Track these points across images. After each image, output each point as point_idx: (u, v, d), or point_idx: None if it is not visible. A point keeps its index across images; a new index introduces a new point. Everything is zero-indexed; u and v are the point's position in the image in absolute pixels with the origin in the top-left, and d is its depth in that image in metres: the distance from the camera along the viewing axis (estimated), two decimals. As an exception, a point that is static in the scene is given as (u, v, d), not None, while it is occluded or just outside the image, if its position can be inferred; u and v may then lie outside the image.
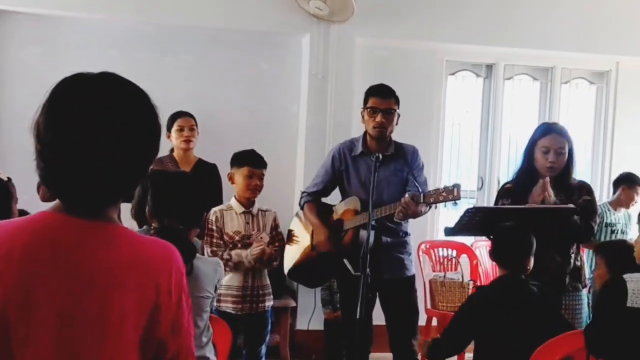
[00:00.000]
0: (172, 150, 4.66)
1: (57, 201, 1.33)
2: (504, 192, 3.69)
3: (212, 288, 2.63)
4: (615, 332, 2.39)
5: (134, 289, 1.30)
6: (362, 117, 3.76)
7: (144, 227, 2.63)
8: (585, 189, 3.54)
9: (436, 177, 5.59)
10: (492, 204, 5.62)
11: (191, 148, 4.61)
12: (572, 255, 3.50)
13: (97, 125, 1.26)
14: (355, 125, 4.95)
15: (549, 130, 3.58)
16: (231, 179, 3.86)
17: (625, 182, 5.42)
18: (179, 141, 4.55)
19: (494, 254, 3.17)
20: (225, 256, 3.63)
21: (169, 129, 4.58)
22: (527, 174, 3.59)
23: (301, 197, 3.95)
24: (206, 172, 4.49)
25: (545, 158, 3.50)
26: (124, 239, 1.34)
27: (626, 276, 2.42)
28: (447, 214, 5.72)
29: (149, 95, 1.36)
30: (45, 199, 3.66)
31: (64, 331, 1.25)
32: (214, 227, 3.72)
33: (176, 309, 1.37)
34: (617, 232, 5.34)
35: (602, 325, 2.46)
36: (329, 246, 3.68)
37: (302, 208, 3.92)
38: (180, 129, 4.55)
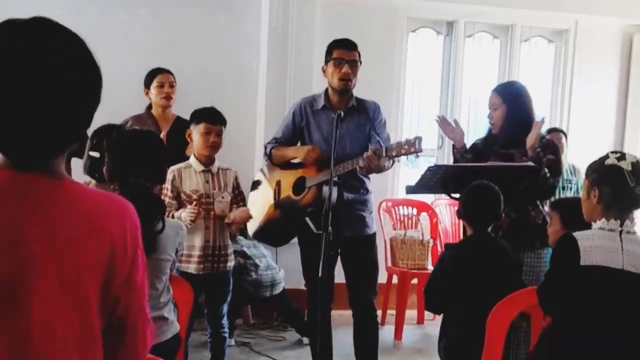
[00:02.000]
0: (149, 107, 4.54)
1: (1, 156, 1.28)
2: (470, 148, 3.78)
3: (172, 251, 2.60)
4: (569, 290, 2.40)
5: (89, 245, 1.28)
6: (324, 71, 3.70)
7: (100, 185, 2.57)
8: (549, 147, 3.57)
9: (397, 135, 5.56)
10: (452, 162, 5.69)
11: (171, 105, 4.51)
12: (532, 213, 3.53)
13: (29, 72, 1.20)
14: (315, 81, 4.90)
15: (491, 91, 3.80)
16: (189, 136, 3.78)
17: (549, 133, 5.49)
18: (158, 98, 4.45)
19: (462, 213, 3.16)
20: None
21: (147, 86, 4.47)
22: (490, 131, 3.76)
23: (265, 148, 3.90)
24: (184, 129, 4.38)
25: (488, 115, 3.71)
26: (76, 195, 1.30)
27: (577, 234, 2.42)
28: (408, 173, 5.74)
29: (84, 41, 1.30)
30: None
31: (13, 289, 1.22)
32: (168, 186, 3.64)
33: (130, 264, 1.35)
34: (565, 186, 5.36)
35: (555, 284, 2.47)
36: (315, 153, 3.62)
37: (269, 155, 3.86)
38: (160, 85, 4.45)
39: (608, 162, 2.42)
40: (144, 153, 2.48)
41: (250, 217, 3.67)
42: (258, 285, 4.79)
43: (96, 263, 1.28)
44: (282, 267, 5.01)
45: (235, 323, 4.88)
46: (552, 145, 3.63)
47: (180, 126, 4.37)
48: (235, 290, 3.96)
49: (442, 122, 3.83)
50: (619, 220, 2.40)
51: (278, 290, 4.90)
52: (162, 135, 4.26)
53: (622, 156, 2.42)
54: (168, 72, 4.53)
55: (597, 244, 2.37)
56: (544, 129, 5.53)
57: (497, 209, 3.07)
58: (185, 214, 3.52)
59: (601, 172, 2.45)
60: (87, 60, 1.29)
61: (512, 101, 3.63)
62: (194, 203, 3.57)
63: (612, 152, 2.47)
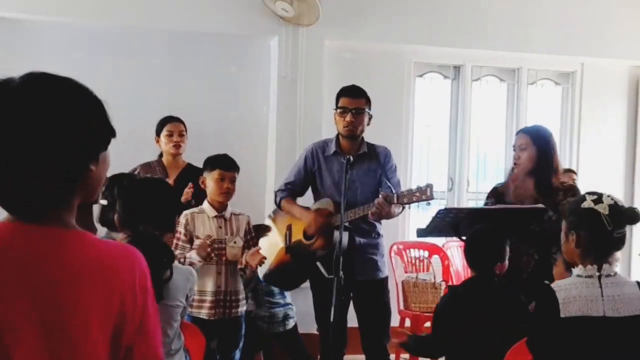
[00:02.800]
0: (160, 155, 4.61)
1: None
2: (490, 193, 3.81)
3: (183, 297, 2.60)
4: (552, 343, 2.36)
5: (98, 294, 1.28)
6: (335, 118, 3.77)
7: (112, 233, 2.60)
8: (572, 191, 3.56)
9: (406, 179, 5.60)
10: (462, 205, 5.70)
11: (180, 153, 4.56)
12: (555, 256, 3.51)
13: (19, 128, 1.23)
14: (325, 127, 4.95)
15: (517, 132, 3.81)
16: (203, 182, 3.83)
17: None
18: (168, 146, 4.50)
19: (465, 256, 3.19)
20: (181, 261, 3.60)
21: (158, 134, 4.54)
22: (511, 175, 3.75)
23: (276, 195, 3.93)
24: (194, 176, 4.44)
25: (514, 157, 3.67)
26: (85, 244, 1.31)
27: (554, 285, 2.38)
28: (418, 216, 5.74)
29: (86, 89, 1.34)
30: None
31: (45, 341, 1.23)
32: (182, 230, 3.68)
33: (142, 312, 1.35)
34: None
35: (538, 337, 2.44)
36: (320, 219, 3.64)
37: (278, 204, 3.89)
38: (170, 134, 4.51)
39: (584, 205, 2.35)
40: (154, 201, 2.50)
41: (263, 258, 3.69)
42: (271, 321, 4.76)
43: (105, 313, 1.28)
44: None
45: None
46: (574, 189, 3.60)
47: (189, 173, 4.43)
48: (248, 331, 3.94)
49: None
50: (595, 265, 2.34)
51: (290, 325, 4.85)
52: (170, 181, 4.31)
53: (598, 198, 2.34)
54: (178, 120, 4.59)
55: (575, 294, 2.31)
56: (580, 175, 5.58)
57: (498, 255, 3.05)
58: (194, 253, 3.55)
59: (578, 215, 2.38)
60: (77, 112, 1.30)
61: (543, 143, 3.63)
62: (202, 239, 3.60)
63: (589, 194, 2.39)
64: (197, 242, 3.60)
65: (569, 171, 5.42)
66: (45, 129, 1.26)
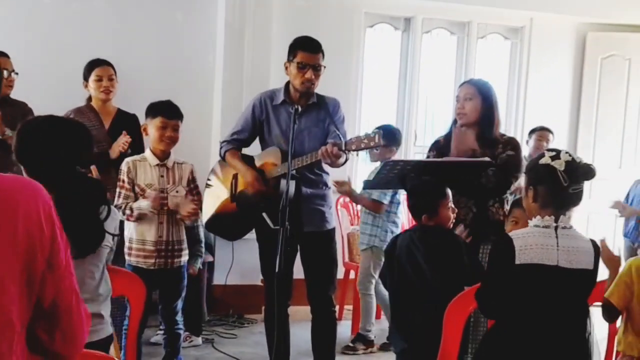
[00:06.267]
0: (89, 99, 4.41)
1: None
2: (432, 145, 3.79)
3: (110, 238, 2.44)
4: (506, 292, 2.40)
5: (2, 227, 1.25)
6: (286, 68, 3.65)
7: None
8: (511, 144, 3.58)
9: (354, 131, 5.57)
10: (409, 158, 5.71)
11: (110, 99, 4.36)
12: (492, 209, 3.55)
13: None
14: (273, 76, 4.86)
15: (461, 84, 3.79)
16: (145, 130, 3.71)
17: (531, 133, 5.60)
18: (97, 91, 4.28)
19: (409, 208, 3.21)
20: (127, 211, 3.52)
21: (86, 78, 4.31)
22: (453, 126, 3.72)
23: (221, 147, 3.83)
24: (126, 122, 4.30)
25: (457, 107, 3.65)
26: None
27: (512, 234, 2.42)
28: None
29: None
30: None
31: None
32: (125, 178, 3.58)
33: (50, 244, 1.32)
34: None
35: (491, 287, 2.46)
36: (258, 185, 3.58)
37: (223, 157, 3.81)
38: (99, 79, 4.27)
39: (542, 161, 2.38)
40: (53, 138, 2.25)
41: (196, 208, 3.61)
42: None
43: (10, 244, 1.25)
44: (239, 263, 4.99)
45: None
46: (512, 142, 3.63)
47: (121, 119, 4.29)
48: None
49: None
50: (553, 216, 2.38)
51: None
52: (105, 128, 4.19)
53: (556, 155, 2.38)
54: (107, 63, 4.32)
55: (531, 242, 2.35)
56: (527, 128, 5.65)
57: (433, 200, 3.09)
58: (147, 203, 3.48)
59: (536, 171, 2.43)
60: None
61: (487, 93, 3.62)
62: (155, 192, 3.53)
63: (548, 150, 2.44)
64: (149, 192, 3.51)
65: (545, 130, 5.48)
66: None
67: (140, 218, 3.55)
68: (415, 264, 3.03)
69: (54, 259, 1.33)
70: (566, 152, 2.40)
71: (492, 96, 3.64)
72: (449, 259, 3.02)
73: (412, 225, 3.37)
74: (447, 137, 3.74)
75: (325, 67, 3.62)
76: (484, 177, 3.45)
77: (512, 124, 6.20)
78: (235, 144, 3.79)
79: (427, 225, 3.08)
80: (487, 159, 3.47)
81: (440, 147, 3.73)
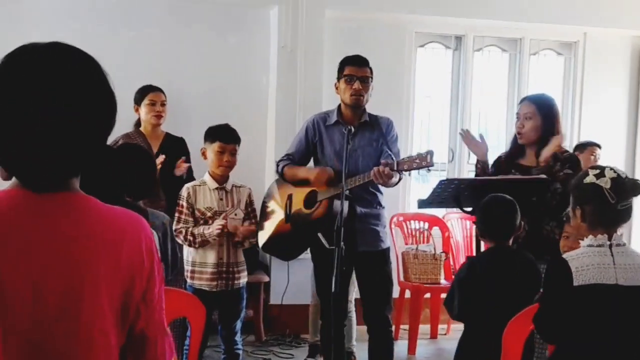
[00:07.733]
0: (137, 124, 4.54)
1: (14, 179, 1.28)
2: (493, 162, 3.77)
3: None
4: (564, 315, 2.36)
5: (106, 258, 1.28)
6: (337, 87, 3.72)
7: None
8: (570, 162, 3.54)
9: (407, 150, 5.57)
10: (463, 176, 5.68)
11: (161, 123, 4.50)
12: (547, 227, 3.50)
13: (48, 96, 1.21)
14: (325, 98, 4.92)
15: (521, 100, 3.78)
16: (204, 154, 3.80)
17: (577, 149, 5.50)
18: (149, 116, 4.44)
19: (481, 228, 3.14)
20: (189, 237, 3.60)
21: (138, 103, 4.46)
22: (514, 144, 3.72)
23: (277, 165, 3.89)
24: (174, 147, 4.42)
25: (517, 125, 3.64)
26: (92, 206, 1.31)
27: (566, 256, 2.37)
28: (418, 187, 5.74)
29: (101, 64, 1.30)
30: (5, 177, 3.55)
31: (38, 303, 1.23)
32: (184, 203, 3.68)
33: (148, 277, 1.35)
34: None
35: (549, 311, 2.42)
36: (327, 175, 3.59)
37: (281, 173, 3.85)
38: (152, 104, 4.44)
39: (587, 180, 2.34)
40: (127, 168, 2.45)
41: (254, 230, 3.68)
42: None
43: (113, 272, 1.28)
44: (294, 283, 5.03)
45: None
46: (572, 159, 3.59)
47: (169, 143, 4.40)
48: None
49: (467, 136, 3.81)
50: (606, 234, 2.34)
51: None
52: (154, 153, 4.28)
53: (600, 173, 2.33)
54: (159, 90, 4.51)
55: (587, 262, 2.30)
56: (574, 143, 5.57)
57: (513, 221, 3.05)
58: (212, 229, 3.56)
59: (581, 190, 2.38)
60: (102, 83, 1.29)
61: (548, 112, 3.61)
62: (222, 216, 3.61)
63: (592, 168, 2.40)
64: (218, 221, 3.59)
65: (594, 145, 5.38)
66: (86, 99, 1.25)
67: (203, 245, 3.64)
68: (504, 289, 2.97)
69: (149, 291, 1.35)
70: (610, 169, 2.36)
71: (553, 114, 3.62)
72: (533, 283, 2.98)
73: (486, 248, 3.31)
74: (510, 154, 3.72)
75: (372, 79, 3.67)
76: (550, 192, 3.42)
77: (567, 141, 6.10)
78: (292, 162, 3.84)
79: (508, 247, 3.04)
80: (542, 176, 3.44)
81: (498, 164, 3.72)
